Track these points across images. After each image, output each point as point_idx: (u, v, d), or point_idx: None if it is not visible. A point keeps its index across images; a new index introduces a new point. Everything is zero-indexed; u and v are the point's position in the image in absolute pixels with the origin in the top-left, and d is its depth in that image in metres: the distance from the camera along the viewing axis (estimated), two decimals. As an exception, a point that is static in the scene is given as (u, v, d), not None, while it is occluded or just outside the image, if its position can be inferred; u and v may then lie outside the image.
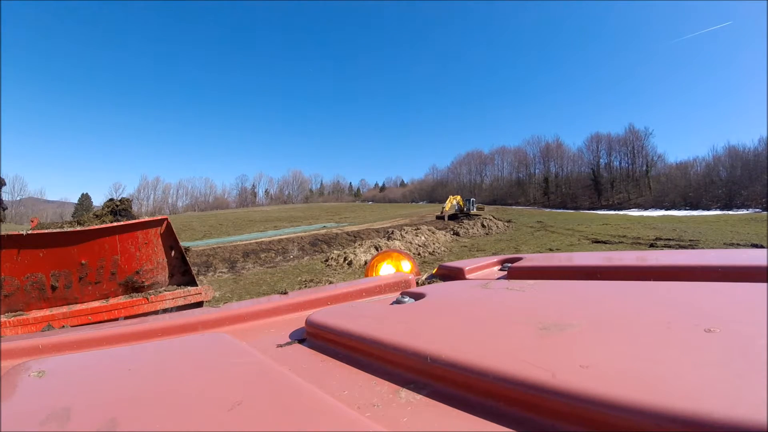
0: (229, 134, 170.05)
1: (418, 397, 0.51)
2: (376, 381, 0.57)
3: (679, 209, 48.18)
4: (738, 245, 13.74)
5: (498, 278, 1.20)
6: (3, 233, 3.07)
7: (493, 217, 28.24)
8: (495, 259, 1.46)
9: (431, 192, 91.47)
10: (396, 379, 0.56)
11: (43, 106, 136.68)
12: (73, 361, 0.72)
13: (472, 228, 22.37)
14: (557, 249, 15.23)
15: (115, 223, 3.60)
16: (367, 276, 1.61)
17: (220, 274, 13.56)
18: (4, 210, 4.32)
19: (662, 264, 1.06)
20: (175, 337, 0.84)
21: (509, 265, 1.27)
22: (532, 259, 1.31)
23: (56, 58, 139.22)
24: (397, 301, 0.91)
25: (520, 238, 20.20)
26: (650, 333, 0.54)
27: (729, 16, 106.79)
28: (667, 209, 49.31)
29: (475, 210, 33.73)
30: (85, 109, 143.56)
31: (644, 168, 64.88)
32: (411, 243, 15.90)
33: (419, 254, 14.74)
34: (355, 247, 14.98)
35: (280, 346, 0.77)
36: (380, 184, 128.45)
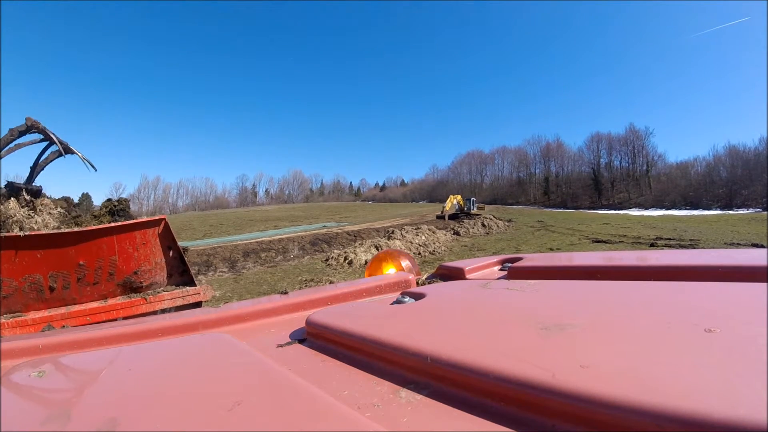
0: (229, 134, 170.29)
1: (419, 397, 0.51)
2: (377, 381, 0.57)
3: (680, 209, 48.15)
4: (738, 245, 13.72)
5: (498, 278, 1.20)
6: (0, 234, 3.07)
7: (494, 216, 28.23)
8: (495, 259, 1.46)
9: (432, 191, 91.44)
10: (396, 379, 0.56)
11: (43, 106, 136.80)
12: (73, 361, 0.72)
13: (473, 227, 22.36)
14: (558, 249, 15.23)
15: (112, 224, 3.60)
16: (367, 276, 1.61)
17: (221, 273, 13.57)
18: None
19: (662, 264, 1.05)
20: (175, 337, 0.84)
21: (509, 265, 1.27)
22: (532, 259, 1.31)
23: (55, 58, 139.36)
24: (398, 301, 0.91)
25: (521, 237, 20.19)
26: (650, 333, 0.54)
27: (729, 17, 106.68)
28: (667, 209, 49.28)
29: (475, 209, 33.69)
30: (85, 109, 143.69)
31: (645, 167, 64.83)
32: (411, 242, 15.90)
33: (420, 254, 14.74)
34: (355, 247, 14.99)
35: (281, 346, 0.77)
36: (380, 184, 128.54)
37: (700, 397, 0.37)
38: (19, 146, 4.51)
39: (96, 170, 4.91)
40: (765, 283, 0.69)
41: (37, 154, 4.93)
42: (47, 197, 4.61)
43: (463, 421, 0.45)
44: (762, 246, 11.96)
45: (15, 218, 3.78)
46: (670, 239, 16.17)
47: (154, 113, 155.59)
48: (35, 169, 4.93)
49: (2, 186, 4.31)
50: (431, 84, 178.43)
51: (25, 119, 4.55)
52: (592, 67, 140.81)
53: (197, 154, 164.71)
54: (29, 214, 3.98)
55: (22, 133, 4.50)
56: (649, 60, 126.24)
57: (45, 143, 4.78)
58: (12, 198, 4.08)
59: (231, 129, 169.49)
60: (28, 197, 4.28)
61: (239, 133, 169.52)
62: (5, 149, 4.38)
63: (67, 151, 4.81)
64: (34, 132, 4.62)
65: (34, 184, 4.78)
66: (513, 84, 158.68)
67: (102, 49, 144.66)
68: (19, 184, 4.46)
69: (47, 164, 4.93)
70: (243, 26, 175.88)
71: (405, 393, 0.52)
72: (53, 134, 4.70)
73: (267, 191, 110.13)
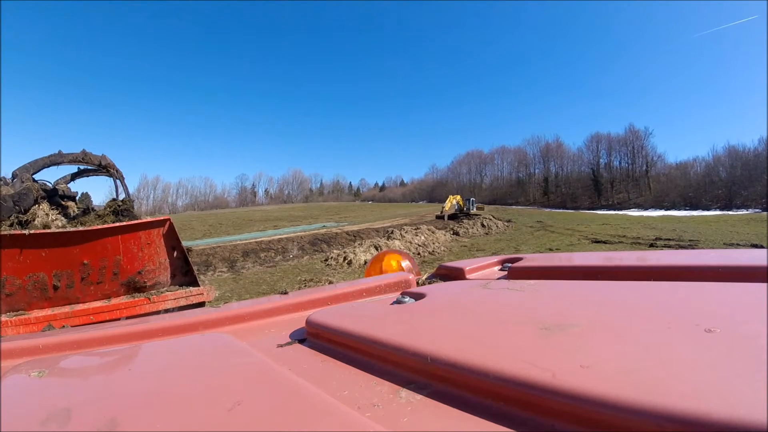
0: (229, 133, 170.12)
1: (419, 397, 0.51)
2: (377, 381, 0.57)
3: (679, 209, 48.10)
4: (738, 245, 13.74)
5: (498, 278, 1.20)
6: (5, 233, 3.08)
7: (493, 216, 28.25)
8: (495, 259, 1.46)
9: (431, 192, 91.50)
10: (396, 379, 0.56)
11: (42, 106, 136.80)
12: (73, 361, 0.72)
13: (472, 228, 22.38)
14: (557, 249, 15.24)
15: (117, 224, 3.61)
16: (367, 276, 1.61)
17: (220, 273, 13.56)
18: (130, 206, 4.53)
19: (662, 264, 1.06)
20: (175, 337, 0.84)
21: (509, 265, 1.27)
22: (532, 259, 1.31)
23: (54, 58, 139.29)
24: (398, 301, 0.91)
25: (520, 237, 20.21)
26: (650, 333, 0.54)
27: (729, 17, 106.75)
28: (666, 209, 49.25)
29: (474, 210, 33.68)
30: (84, 109, 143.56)
31: (644, 168, 64.90)
32: (411, 242, 15.91)
33: (419, 254, 14.74)
34: (354, 247, 14.99)
35: (281, 346, 0.77)
36: (380, 184, 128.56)
37: (700, 397, 0.37)
38: (75, 163, 4.78)
39: (128, 197, 5.00)
40: (765, 283, 0.69)
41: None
42: (75, 202, 4.80)
43: (463, 421, 0.45)
44: (762, 246, 11.98)
45: (39, 220, 3.87)
46: (669, 239, 16.19)
47: (153, 113, 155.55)
48: (79, 174, 5.08)
49: (47, 186, 4.48)
50: (431, 84, 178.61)
51: (101, 156, 4.85)
52: (592, 67, 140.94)
53: (197, 153, 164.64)
54: (56, 217, 4.07)
55: (88, 162, 4.76)
56: (649, 60, 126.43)
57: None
58: (46, 200, 4.19)
59: (230, 128, 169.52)
60: (62, 201, 4.44)
61: (239, 132, 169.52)
62: (68, 161, 4.63)
63: (118, 178, 5.01)
64: (104, 171, 4.88)
65: (70, 186, 4.97)
66: (513, 83, 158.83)
67: (101, 49, 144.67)
68: (59, 190, 4.60)
69: (93, 176, 5.10)
70: (242, 26, 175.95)
71: (405, 393, 0.52)
72: (116, 172, 4.90)
73: (266, 191, 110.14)
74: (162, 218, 3.72)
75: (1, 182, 4.03)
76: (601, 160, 70.82)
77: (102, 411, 0.46)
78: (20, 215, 3.80)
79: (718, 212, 40.97)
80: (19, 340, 0.80)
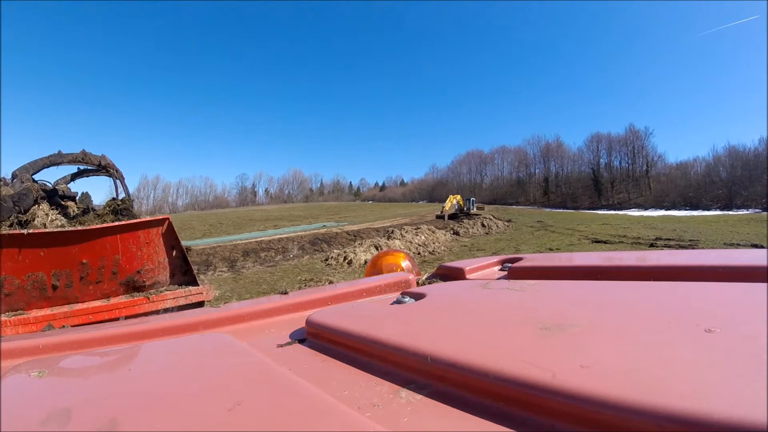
0: (229, 133, 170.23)
1: (419, 397, 0.51)
2: (377, 381, 0.57)
3: (679, 209, 48.07)
4: (738, 245, 13.74)
5: (498, 278, 1.20)
6: (4, 232, 3.08)
7: (493, 216, 28.23)
8: (495, 259, 1.46)
9: (431, 191, 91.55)
10: (396, 379, 0.56)
11: (42, 106, 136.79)
12: (73, 361, 0.72)
13: (472, 227, 22.37)
14: (557, 249, 15.23)
15: (116, 223, 3.61)
16: (367, 275, 1.61)
17: (220, 273, 13.56)
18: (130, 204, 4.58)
19: (662, 264, 1.06)
20: (175, 337, 0.84)
21: (510, 265, 1.27)
22: (532, 259, 1.31)
23: (54, 58, 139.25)
24: (398, 301, 0.91)
25: (520, 237, 20.20)
26: (650, 333, 0.54)
27: (730, 17, 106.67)
28: (667, 209, 49.21)
29: (475, 209, 33.71)
30: (84, 109, 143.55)
31: (644, 168, 64.90)
32: (411, 242, 15.90)
33: (419, 254, 14.74)
34: (355, 247, 14.98)
35: (281, 346, 0.77)
36: (380, 184, 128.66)
37: (700, 397, 0.37)
38: (75, 163, 4.84)
39: (128, 197, 5.05)
40: (765, 283, 0.69)
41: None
42: (75, 202, 4.86)
43: (463, 421, 0.45)
44: (762, 246, 11.98)
45: (39, 220, 3.89)
46: (669, 239, 16.18)
47: (153, 113, 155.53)
48: (79, 174, 5.14)
49: (47, 186, 4.54)
50: (431, 84, 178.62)
51: (101, 156, 4.91)
52: (592, 67, 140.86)
53: (197, 153, 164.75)
54: (56, 217, 4.09)
55: (88, 162, 4.81)
56: (649, 60, 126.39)
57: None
58: (46, 200, 4.22)
59: (230, 128, 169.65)
60: (62, 201, 4.48)
61: (239, 132, 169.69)
62: (68, 161, 4.70)
63: (118, 179, 5.07)
64: (104, 171, 4.94)
65: (70, 186, 5.05)
66: (513, 83, 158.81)
67: (101, 49, 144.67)
68: (59, 190, 4.66)
69: (93, 176, 5.15)
70: (242, 27, 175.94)
71: (405, 393, 0.52)
72: (116, 172, 4.97)
73: (267, 191, 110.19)
74: (161, 217, 3.72)
75: (1, 182, 4.04)
76: (601, 160, 70.92)
77: (102, 411, 0.46)
78: (20, 215, 3.81)
79: (718, 212, 40.93)
80: (19, 340, 0.80)
